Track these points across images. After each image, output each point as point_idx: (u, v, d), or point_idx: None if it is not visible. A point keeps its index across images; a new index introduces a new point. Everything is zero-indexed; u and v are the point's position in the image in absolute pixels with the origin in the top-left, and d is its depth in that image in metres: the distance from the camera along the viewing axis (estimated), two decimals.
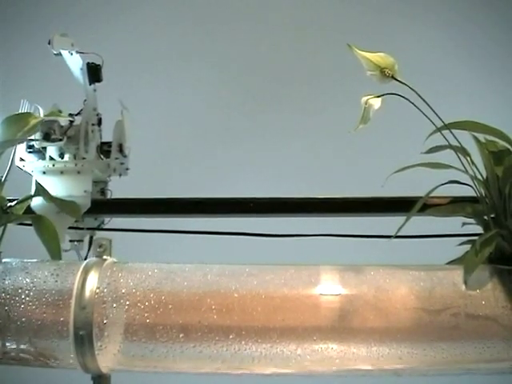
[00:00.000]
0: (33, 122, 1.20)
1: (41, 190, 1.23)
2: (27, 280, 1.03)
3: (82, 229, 1.39)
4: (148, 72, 2.68)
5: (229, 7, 2.76)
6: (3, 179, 1.16)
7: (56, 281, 1.03)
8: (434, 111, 1.04)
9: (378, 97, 1.05)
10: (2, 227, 1.13)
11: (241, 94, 2.66)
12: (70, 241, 1.38)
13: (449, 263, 1.10)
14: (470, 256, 1.01)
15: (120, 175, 1.45)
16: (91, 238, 1.42)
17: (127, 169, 1.46)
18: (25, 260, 1.08)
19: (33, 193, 1.30)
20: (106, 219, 1.44)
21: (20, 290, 1.02)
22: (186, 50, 2.71)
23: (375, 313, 0.98)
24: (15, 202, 1.19)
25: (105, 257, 1.07)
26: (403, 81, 1.03)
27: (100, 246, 1.07)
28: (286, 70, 2.68)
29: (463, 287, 0.99)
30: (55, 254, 1.14)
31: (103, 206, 1.42)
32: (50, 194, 1.24)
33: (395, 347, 0.98)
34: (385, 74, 1.04)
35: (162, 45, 2.72)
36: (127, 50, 2.66)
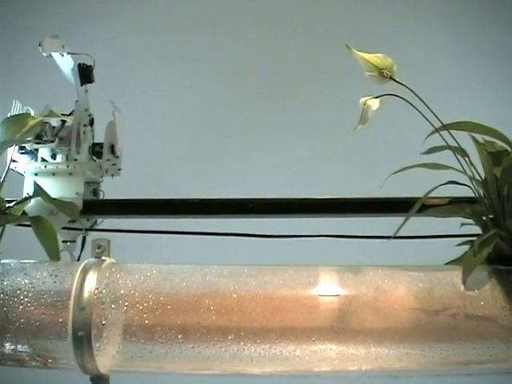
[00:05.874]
0: (31, 122, 1.20)
1: (40, 191, 1.23)
2: (26, 281, 1.03)
3: (78, 229, 1.39)
4: (142, 72, 2.68)
5: (227, 5, 2.76)
6: (1, 180, 1.16)
7: (55, 282, 1.03)
8: (432, 112, 1.04)
9: (377, 98, 1.05)
10: (1, 228, 1.13)
11: (238, 94, 2.66)
12: (63, 241, 1.38)
13: (447, 264, 1.10)
14: (469, 256, 1.01)
15: (112, 176, 1.46)
16: (84, 238, 1.42)
17: (119, 169, 1.47)
18: (23, 261, 1.08)
19: (30, 194, 1.30)
20: (99, 220, 1.45)
21: (19, 291, 1.02)
22: (183, 49, 2.71)
23: (374, 313, 0.98)
24: (14, 203, 1.19)
25: (103, 258, 1.07)
26: (402, 82, 1.03)
27: (99, 247, 1.07)
28: (286, 69, 2.68)
29: (462, 288, 0.99)
30: (54, 254, 1.14)
31: (96, 206, 1.42)
32: (48, 195, 1.24)
33: (394, 348, 0.98)
34: (383, 74, 1.04)
35: (158, 44, 2.72)
36: (120, 50, 2.66)
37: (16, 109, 1.36)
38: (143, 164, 2.33)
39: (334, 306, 0.99)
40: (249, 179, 2.46)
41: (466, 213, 1.10)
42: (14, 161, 1.37)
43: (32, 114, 1.30)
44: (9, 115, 1.32)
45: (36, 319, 1.00)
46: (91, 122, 1.45)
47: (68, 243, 1.40)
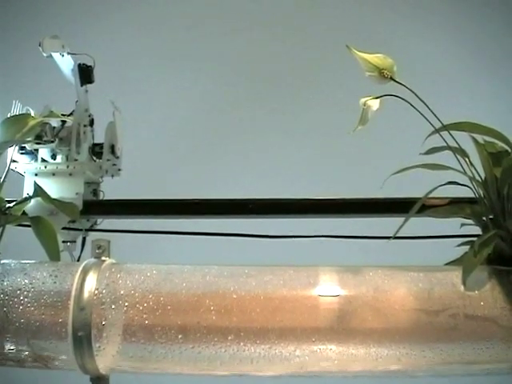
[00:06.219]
0: (31, 123, 1.20)
1: (40, 192, 1.23)
2: (26, 281, 1.03)
3: (78, 230, 1.40)
4: (142, 72, 2.68)
5: (226, 6, 2.76)
6: (1, 180, 1.16)
7: (55, 282, 1.03)
8: (432, 112, 1.04)
9: (377, 98, 1.05)
10: (1, 228, 1.13)
11: (238, 95, 2.66)
12: (63, 242, 1.38)
13: (447, 264, 1.10)
14: (469, 257, 1.01)
15: (112, 176, 1.46)
16: (84, 238, 1.42)
17: (119, 170, 1.47)
18: (23, 261, 1.08)
19: (30, 194, 1.30)
20: (99, 220, 1.45)
21: (19, 291, 1.02)
22: (183, 49, 2.71)
23: (374, 314, 0.98)
24: (14, 203, 1.19)
25: (103, 258, 1.07)
26: (402, 82, 1.03)
27: (99, 247, 1.07)
28: (286, 70, 2.68)
29: (462, 288, 0.99)
30: (54, 255, 1.14)
31: (96, 206, 1.42)
32: (48, 195, 1.24)
33: (394, 348, 0.98)
34: (383, 75, 1.04)
35: (158, 44, 2.72)
36: (120, 50, 2.66)
37: (16, 109, 1.36)
38: (143, 164, 2.33)
39: (334, 307, 0.99)
40: (249, 179, 2.46)
41: (465, 213, 1.10)
42: (14, 161, 1.37)
43: (32, 115, 1.30)
44: (9, 115, 1.32)
45: (36, 319, 1.00)
46: (91, 123, 1.45)
47: (68, 243, 1.40)
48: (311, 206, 1.37)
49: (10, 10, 2.72)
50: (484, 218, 1.08)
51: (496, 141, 1.09)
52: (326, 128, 2.50)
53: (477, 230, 1.10)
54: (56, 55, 1.39)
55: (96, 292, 1.01)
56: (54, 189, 1.36)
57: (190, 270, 1.05)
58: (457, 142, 1.08)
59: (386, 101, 1.05)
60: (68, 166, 1.39)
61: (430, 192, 1.08)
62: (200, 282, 1.02)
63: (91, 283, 1.01)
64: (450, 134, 1.07)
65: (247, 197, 1.38)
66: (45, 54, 1.39)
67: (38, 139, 1.36)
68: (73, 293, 1.00)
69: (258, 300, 1.00)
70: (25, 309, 1.01)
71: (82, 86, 1.43)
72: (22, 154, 1.40)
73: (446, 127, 1.06)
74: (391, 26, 2.65)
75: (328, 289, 1.01)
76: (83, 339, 0.98)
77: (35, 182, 1.30)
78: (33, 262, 1.08)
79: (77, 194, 1.37)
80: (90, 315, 0.99)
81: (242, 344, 0.98)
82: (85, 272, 1.03)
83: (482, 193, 1.08)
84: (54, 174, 1.39)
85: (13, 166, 1.36)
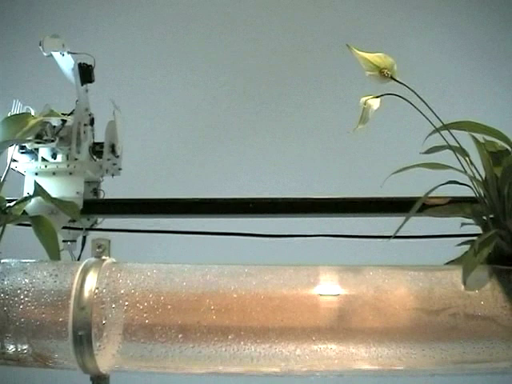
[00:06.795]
0: (32, 122, 1.20)
1: (40, 191, 1.23)
2: (26, 280, 1.03)
3: (78, 229, 1.40)
4: (142, 72, 2.68)
5: (226, 6, 2.76)
6: (2, 180, 1.16)
7: (55, 281, 1.03)
8: (432, 111, 1.04)
9: (377, 97, 1.05)
10: (1, 227, 1.12)
11: (238, 95, 2.67)
12: (64, 241, 1.38)
13: (448, 263, 1.10)
14: (469, 256, 1.01)
15: (112, 175, 1.46)
16: (84, 238, 1.42)
17: (120, 169, 1.47)
18: (24, 260, 1.08)
19: (30, 193, 1.30)
20: (99, 219, 1.45)
21: (19, 291, 1.02)
22: (183, 49, 2.72)
23: (374, 313, 0.98)
24: (14, 203, 1.19)
25: (104, 257, 1.07)
26: (402, 81, 1.03)
27: (99, 247, 1.07)
28: (285, 70, 2.68)
29: (462, 287, 0.99)
30: (54, 254, 1.14)
31: (96, 206, 1.42)
32: (49, 195, 1.24)
33: (394, 347, 0.98)
34: (384, 74, 1.04)
35: (158, 44, 2.72)
36: (120, 50, 2.66)
37: (16, 108, 1.36)
38: (143, 163, 2.33)
39: (334, 306, 0.99)
40: (249, 179, 2.46)
41: (466, 212, 1.09)
42: (15, 160, 1.37)
43: (32, 114, 1.30)
44: (9, 114, 1.32)
45: (36, 319, 1.00)
46: (91, 122, 1.45)
47: (68, 243, 1.40)
48: (311, 205, 1.38)
49: (10, 10, 2.72)
50: (484, 218, 1.08)
51: (496, 140, 1.09)
52: (326, 128, 2.50)
53: (477, 230, 1.10)
54: (56, 54, 1.40)
55: (96, 291, 1.01)
56: (55, 188, 1.36)
57: (190, 269, 1.05)
58: (457, 141, 1.08)
59: (387, 100, 1.05)
60: (68, 165, 1.40)
61: (431, 191, 1.08)
62: (200, 282, 1.02)
63: (91, 282, 1.01)
64: (451, 133, 1.07)
65: (248, 196, 1.38)
66: (45, 54, 1.39)
67: (39, 138, 1.36)
68: (73, 292, 1.00)
69: (259, 299, 1.00)
70: (25, 308, 1.01)
71: (82, 85, 1.43)
72: (22, 153, 1.40)
73: (446, 126, 1.06)
74: (391, 26, 2.65)
75: (328, 288, 1.01)
76: (83, 338, 0.98)
77: (35, 182, 1.30)
78: (33, 261, 1.08)
79: (77, 193, 1.38)
80: (90, 314, 0.99)
81: (242, 343, 0.98)
82: (85, 271, 1.03)
83: (482, 192, 1.08)
84: (54, 174, 1.39)
85: (13, 165, 1.36)
